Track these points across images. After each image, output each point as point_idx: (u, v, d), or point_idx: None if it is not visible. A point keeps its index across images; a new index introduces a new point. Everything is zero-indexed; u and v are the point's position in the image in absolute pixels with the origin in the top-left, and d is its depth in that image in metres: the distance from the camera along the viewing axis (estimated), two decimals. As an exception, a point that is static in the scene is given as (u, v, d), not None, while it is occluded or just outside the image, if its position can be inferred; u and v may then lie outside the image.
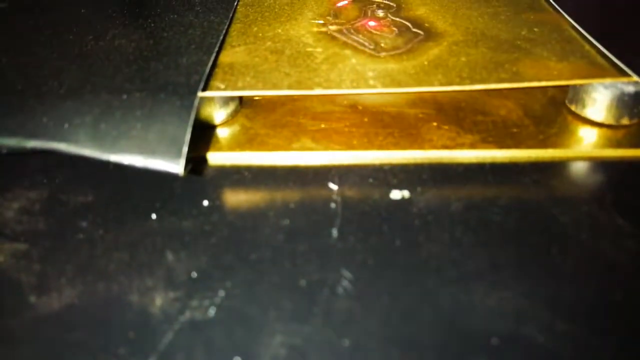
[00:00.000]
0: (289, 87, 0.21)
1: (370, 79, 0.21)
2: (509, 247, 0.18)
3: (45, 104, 0.19)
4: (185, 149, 0.18)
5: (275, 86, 0.21)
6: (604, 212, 0.19)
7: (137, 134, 0.18)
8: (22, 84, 0.20)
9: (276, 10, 0.27)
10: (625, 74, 0.21)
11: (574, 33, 0.24)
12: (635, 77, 0.21)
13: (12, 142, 0.17)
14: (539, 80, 0.21)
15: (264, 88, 0.21)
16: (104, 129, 0.18)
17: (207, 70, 0.21)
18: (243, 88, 0.21)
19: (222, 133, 0.22)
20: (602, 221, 0.18)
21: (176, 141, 0.18)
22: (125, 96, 0.19)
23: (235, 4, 0.27)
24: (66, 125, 0.18)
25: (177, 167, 0.18)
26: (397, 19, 0.26)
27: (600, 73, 0.21)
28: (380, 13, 0.26)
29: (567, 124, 0.22)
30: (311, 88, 0.21)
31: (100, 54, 0.22)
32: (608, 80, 0.21)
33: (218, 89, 0.21)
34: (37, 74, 0.20)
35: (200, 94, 0.20)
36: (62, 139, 0.17)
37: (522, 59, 0.22)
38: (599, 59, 0.22)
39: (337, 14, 0.27)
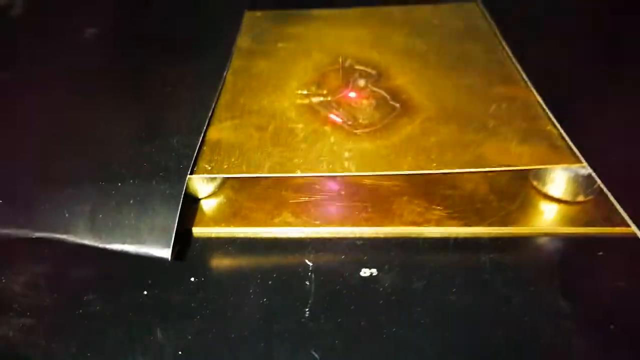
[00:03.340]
0: (270, 170, 0.23)
1: (345, 160, 0.23)
2: (460, 329, 0.20)
3: (47, 193, 0.21)
4: (172, 238, 0.20)
5: (257, 168, 0.23)
6: (549, 293, 0.21)
7: (130, 223, 0.20)
8: (22, 171, 0.22)
9: (263, 78, 0.29)
10: (578, 160, 0.23)
11: (539, 110, 0.26)
12: (584, 164, 0.22)
13: (20, 234, 0.20)
14: (499, 165, 0.23)
15: (247, 171, 0.23)
16: (101, 219, 0.20)
17: (196, 152, 0.23)
18: (228, 170, 0.23)
19: (208, 204, 0.24)
20: (546, 302, 0.20)
21: (165, 231, 0.20)
22: (119, 184, 0.21)
23: (225, 73, 0.29)
24: (67, 214, 0.20)
25: (165, 254, 0.20)
26: (377, 90, 0.28)
27: (556, 159, 0.23)
28: (362, 83, 0.28)
29: (529, 199, 0.24)
30: (291, 171, 0.23)
31: (96, 136, 0.24)
32: (562, 166, 0.23)
33: (205, 170, 0.23)
34: (36, 159, 0.22)
35: (188, 176, 0.22)
36: (65, 230, 0.20)
37: (487, 139, 0.24)
38: (559, 141, 0.24)
39: (320, 83, 0.28)
